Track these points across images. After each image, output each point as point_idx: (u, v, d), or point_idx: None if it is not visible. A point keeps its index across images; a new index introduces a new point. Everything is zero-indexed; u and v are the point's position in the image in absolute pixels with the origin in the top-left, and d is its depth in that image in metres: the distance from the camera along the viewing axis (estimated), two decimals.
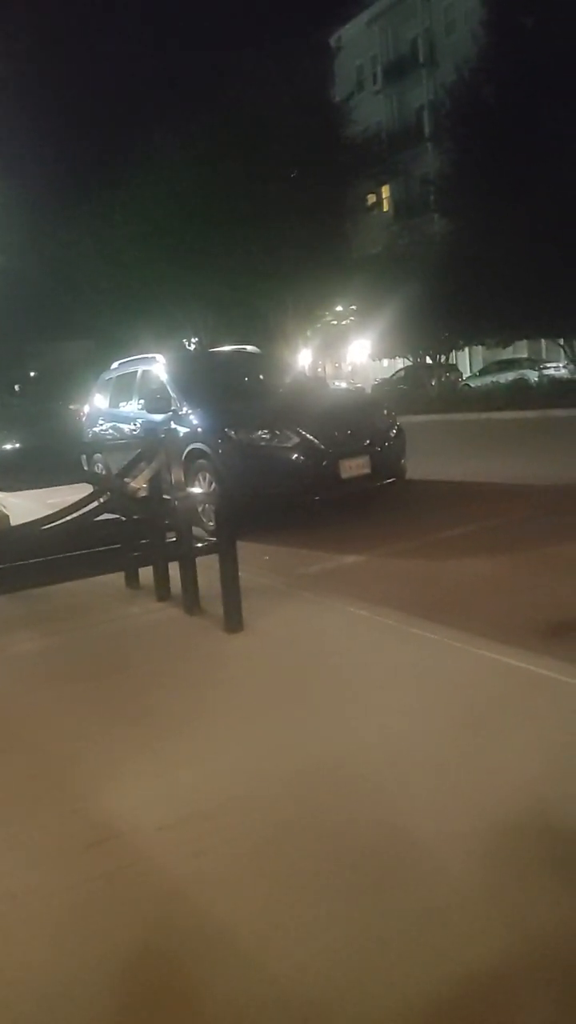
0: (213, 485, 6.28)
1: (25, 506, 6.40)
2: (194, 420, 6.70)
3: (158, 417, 7.12)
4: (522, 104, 19.01)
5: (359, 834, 1.92)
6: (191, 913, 1.71)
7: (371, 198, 29.54)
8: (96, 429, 8.85)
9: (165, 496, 4.15)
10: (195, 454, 6.43)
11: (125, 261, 25.39)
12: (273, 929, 1.63)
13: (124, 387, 8.41)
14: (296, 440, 6.19)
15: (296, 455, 6.16)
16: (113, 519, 4.03)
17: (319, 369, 33.67)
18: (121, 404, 8.40)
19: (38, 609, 4.18)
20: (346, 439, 6.37)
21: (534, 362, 25.75)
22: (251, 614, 3.60)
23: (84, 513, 3.75)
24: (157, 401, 7.20)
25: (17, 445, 13.47)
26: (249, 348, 9.53)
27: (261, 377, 8.48)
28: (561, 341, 21.96)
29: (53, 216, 26.42)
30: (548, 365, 24.85)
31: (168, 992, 1.50)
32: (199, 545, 3.93)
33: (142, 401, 7.64)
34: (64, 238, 26.06)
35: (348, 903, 1.68)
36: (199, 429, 6.57)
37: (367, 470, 6.35)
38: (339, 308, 27.60)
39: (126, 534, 4.01)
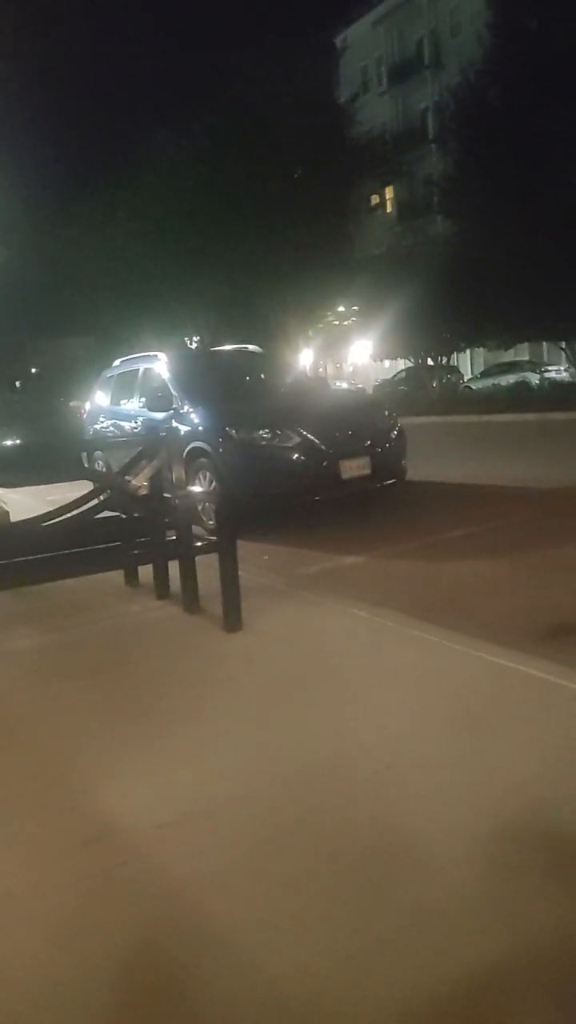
0: (213, 484, 6.28)
1: (25, 503, 6.40)
2: (195, 419, 6.70)
3: (159, 415, 7.12)
4: (527, 106, 19.00)
5: (357, 834, 1.92)
6: (189, 912, 1.71)
7: (374, 199, 29.58)
8: (97, 426, 8.85)
9: (165, 494, 4.15)
10: (196, 453, 6.43)
11: (127, 259, 25.40)
12: (271, 928, 1.63)
13: (125, 385, 8.41)
14: (297, 440, 6.19)
15: (297, 455, 6.16)
16: (113, 517, 4.03)
17: (320, 369, 33.67)
18: (122, 402, 8.41)
19: (38, 606, 4.18)
20: (347, 439, 6.37)
21: (535, 365, 25.76)
22: (250, 613, 3.60)
23: (84, 510, 3.75)
24: (158, 399, 7.20)
25: (18, 441, 13.49)
26: (251, 347, 9.54)
27: (262, 377, 8.49)
28: (563, 344, 21.97)
29: (55, 213, 26.44)
30: (549, 368, 24.87)
31: (165, 990, 1.50)
32: (199, 544, 3.93)
33: (143, 399, 7.63)
34: (66, 235, 26.07)
35: (346, 903, 1.68)
36: (200, 428, 6.57)
37: (368, 471, 6.35)
38: (341, 308, 27.60)
39: (126, 532, 4.01)
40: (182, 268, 24.07)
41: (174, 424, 6.81)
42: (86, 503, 3.80)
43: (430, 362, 25.93)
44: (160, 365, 7.66)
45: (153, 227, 23.84)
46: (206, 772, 2.30)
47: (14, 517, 4.83)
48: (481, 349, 28.22)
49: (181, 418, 6.83)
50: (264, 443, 6.23)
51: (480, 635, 3.16)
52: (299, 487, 6.08)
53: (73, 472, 5.20)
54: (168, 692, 2.93)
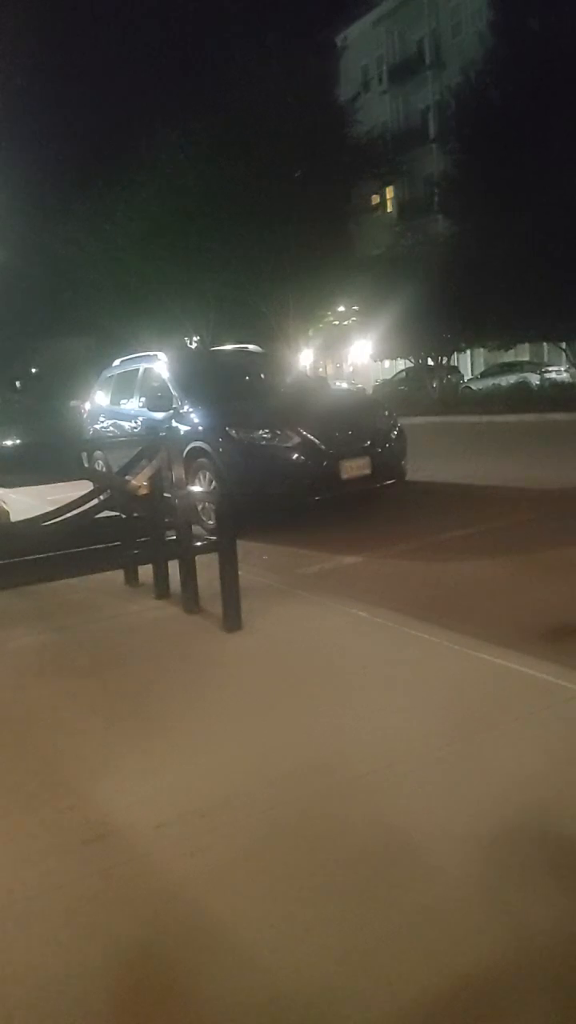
0: (213, 484, 6.28)
1: (26, 502, 6.41)
2: (195, 419, 6.70)
3: (159, 415, 7.12)
4: (528, 106, 19.03)
5: (356, 834, 1.93)
6: (188, 911, 1.72)
7: (375, 199, 29.56)
8: (97, 426, 8.85)
9: (165, 494, 4.16)
10: (196, 453, 6.43)
11: (127, 258, 25.37)
12: (270, 928, 1.64)
13: (125, 385, 8.41)
14: (297, 440, 6.19)
15: (297, 455, 6.17)
16: (113, 517, 4.03)
17: (320, 369, 33.67)
18: (122, 402, 8.41)
19: (38, 605, 4.19)
20: (347, 440, 6.37)
21: (536, 365, 25.75)
22: (250, 613, 3.60)
23: (84, 510, 3.76)
24: (158, 399, 7.20)
25: (18, 441, 13.48)
26: (251, 347, 9.54)
27: (262, 377, 8.48)
28: (563, 345, 21.97)
29: (55, 213, 26.38)
30: (550, 368, 24.86)
31: (164, 990, 1.51)
32: (199, 544, 3.94)
33: (143, 399, 7.64)
34: (66, 235, 26.03)
35: (345, 902, 1.69)
36: (200, 428, 6.57)
37: (367, 471, 6.35)
38: (341, 308, 27.58)
39: (126, 532, 4.02)
40: (182, 268, 24.04)
41: (174, 424, 6.82)
42: (86, 503, 3.81)
43: (430, 362, 25.91)
44: (160, 365, 7.67)
45: (153, 226, 23.81)
46: (205, 771, 2.30)
47: (14, 517, 4.84)
48: (481, 349, 28.22)
49: (181, 418, 6.83)
50: (264, 443, 6.23)
51: (480, 635, 3.17)
52: (299, 487, 6.09)
53: (73, 472, 5.20)
54: (168, 691, 2.93)
